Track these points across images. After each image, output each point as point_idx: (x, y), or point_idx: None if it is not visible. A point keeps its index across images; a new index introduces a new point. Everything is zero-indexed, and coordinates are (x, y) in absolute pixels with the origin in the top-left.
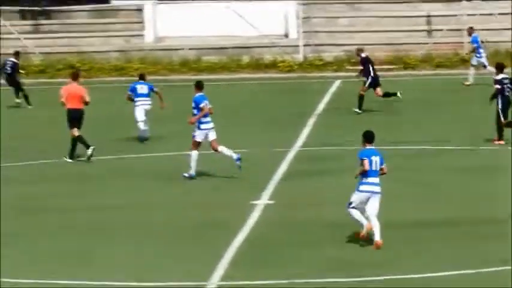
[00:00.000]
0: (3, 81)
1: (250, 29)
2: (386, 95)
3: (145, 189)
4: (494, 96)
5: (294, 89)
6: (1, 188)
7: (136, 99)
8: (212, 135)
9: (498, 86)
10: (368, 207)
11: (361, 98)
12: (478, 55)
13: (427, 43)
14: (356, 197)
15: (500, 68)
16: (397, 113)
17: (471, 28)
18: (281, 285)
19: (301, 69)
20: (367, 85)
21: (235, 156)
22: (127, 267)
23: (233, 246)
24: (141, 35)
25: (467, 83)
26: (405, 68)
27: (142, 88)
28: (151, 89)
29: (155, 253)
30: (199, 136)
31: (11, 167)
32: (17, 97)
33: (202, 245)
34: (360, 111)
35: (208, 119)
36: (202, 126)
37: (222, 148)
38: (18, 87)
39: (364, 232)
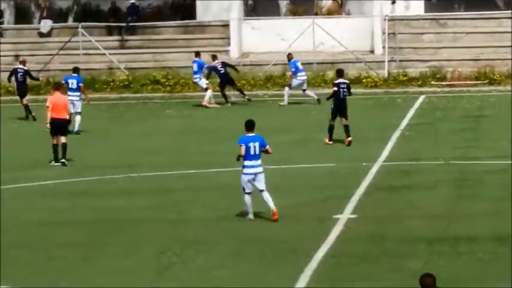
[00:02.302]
0: None
1: (336, 44)
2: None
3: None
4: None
5: (379, 104)
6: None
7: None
8: None
9: (335, 89)
10: (258, 186)
11: None
12: None
13: None
14: (242, 180)
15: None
16: (476, 128)
17: None
18: None
19: (385, 85)
20: None
21: None
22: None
23: (314, 261)
24: (227, 51)
25: None
26: (490, 84)
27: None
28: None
29: (238, 269)
30: None
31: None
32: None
33: (284, 258)
34: None
35: None
36: None
37: None
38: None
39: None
